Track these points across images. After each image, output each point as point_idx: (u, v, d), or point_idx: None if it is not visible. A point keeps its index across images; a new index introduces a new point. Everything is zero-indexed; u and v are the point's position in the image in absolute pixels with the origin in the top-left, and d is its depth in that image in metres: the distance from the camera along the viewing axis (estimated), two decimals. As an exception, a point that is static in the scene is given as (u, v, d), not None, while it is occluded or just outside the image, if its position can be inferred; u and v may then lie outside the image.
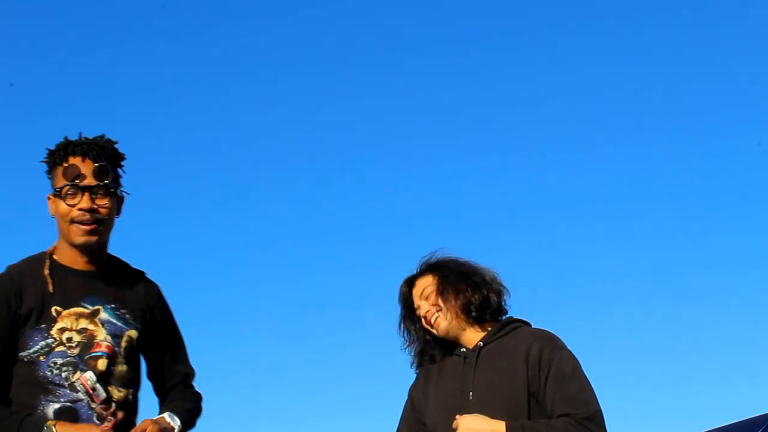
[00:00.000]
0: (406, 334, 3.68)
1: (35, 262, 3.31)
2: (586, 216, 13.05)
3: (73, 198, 3.26)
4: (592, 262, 12.94)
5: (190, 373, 3.52)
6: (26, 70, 12.37)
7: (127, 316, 3.35)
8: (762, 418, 8.25)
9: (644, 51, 13.02)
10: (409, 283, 3.67)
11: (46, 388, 3.20)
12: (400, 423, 3.68)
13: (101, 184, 3.28)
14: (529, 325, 3.64)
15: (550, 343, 3.52)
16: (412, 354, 3.68)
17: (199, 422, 3.48)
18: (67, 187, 3.26)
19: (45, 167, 3.36)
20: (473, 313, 3.55)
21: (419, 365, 3.67)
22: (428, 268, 3.67)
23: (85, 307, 3.28)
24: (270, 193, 13.00)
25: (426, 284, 3.63)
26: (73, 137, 3.32)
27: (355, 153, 13.09)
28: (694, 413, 12.15)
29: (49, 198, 3.32)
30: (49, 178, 3.34)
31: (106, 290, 3.32)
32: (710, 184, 13.04)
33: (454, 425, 3.40)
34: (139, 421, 3.31)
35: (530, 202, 13.09)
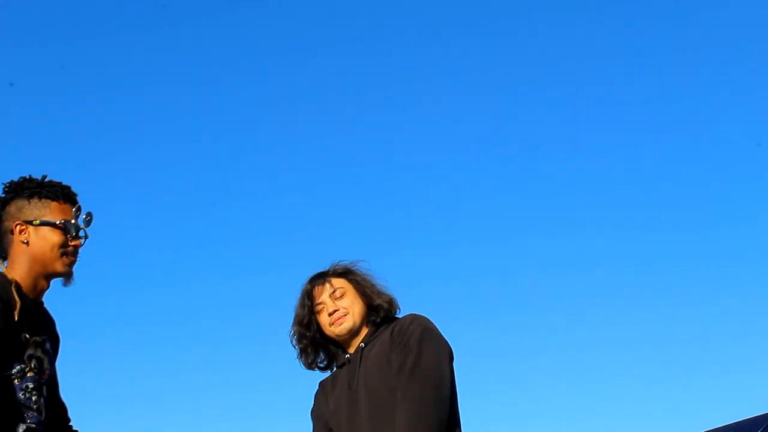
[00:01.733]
0: (298, 337, 3.88)
1: (3, 284, 3.45)
2: (585, 216, 13.05)
3: (76, 239, 3.53)
4: (592, 262, 12.95)
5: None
6: (26, 70, 12.37)
7: (52, 348, 3.59)
8: (762, 418, 8.26)
9: (644, 51, 13.03)
10: (323, 277, 3.88)
11: (19, 410, 3.38)
12: None
13: (85, 230, 3.58)
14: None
15: (414, 320, 3.75)
16: (307, 361, 3.92)
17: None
18: (72, 224, 3.52)
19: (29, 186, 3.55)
20: (376, 319, 3.82)
21: (318, 367, 3.93)
22: (343, 271, 3.89)
23: (40, 337, 3.50)
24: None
25: (339, 285, 3.85)
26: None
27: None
28: (694, 413, 12.16)
29: (26, 225, 3.50)
30: (21, 205, 3.53)
31: (45, 323, 3.57)
32: (710, 183, 13.05)
33: None
34: None
35: (530, 203, 13.10)
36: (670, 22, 12.94)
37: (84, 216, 3.54)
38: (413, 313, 3.80)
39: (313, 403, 3.91)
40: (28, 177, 3.54)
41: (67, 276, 3.52)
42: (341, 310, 3.80)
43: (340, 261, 3.93)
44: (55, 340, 3.60)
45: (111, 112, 12.80)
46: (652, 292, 12.90)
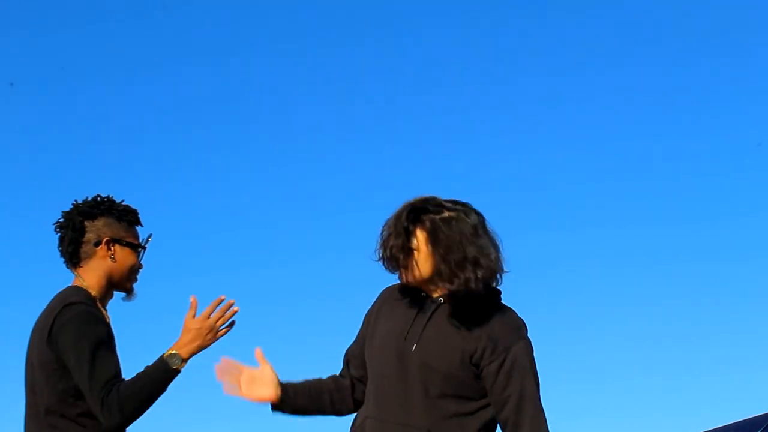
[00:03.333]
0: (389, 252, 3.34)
1: (89, 299, 3.79)
2: (585, 215, 13.05)
3: (141, 263, 3.92)
4: (591, 261, 12.94)
5: None
6: (26, 70, 12.38)
7: None
8: (762, 418, 8.25)
9: (644, 50, 13.02)
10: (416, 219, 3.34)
11: None
12: (356, 340, 3.53)
13: None
14: (497, 299, 3.40)
15: (511, 328, 3.34)
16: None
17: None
18: (143, 249, 3.90)
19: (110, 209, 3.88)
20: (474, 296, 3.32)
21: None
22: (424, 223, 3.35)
23: None
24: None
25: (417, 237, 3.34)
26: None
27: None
28: (694, 413, 12.15)
29: (115, 243, 3.84)
30: (110, 222, 3.86)
31: None
32: (710, 183, 13.04)
33: None
34: None
35: (529, 199, 13.10)
36: (671, 22, 12.95)
37: (148, 239, 3.93)
38: (507, 308, 3.37)
39: (375, 302, 3.49)
40: (109, 197, 3.87)
41: (131, 293, 3.90)
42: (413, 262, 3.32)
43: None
44: None
45: (111, 107, 12.80)
46: (651, 292, 12.89)
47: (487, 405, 3.33)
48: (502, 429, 3.34)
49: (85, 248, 3.80)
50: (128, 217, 3.89)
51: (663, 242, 12.91)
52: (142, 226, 3.93)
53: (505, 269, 3.36)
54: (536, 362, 3.36)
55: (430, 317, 3.34)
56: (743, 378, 11.79)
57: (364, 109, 13.08)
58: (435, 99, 13.04)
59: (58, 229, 3.87)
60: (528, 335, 3.37)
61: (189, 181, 12.91)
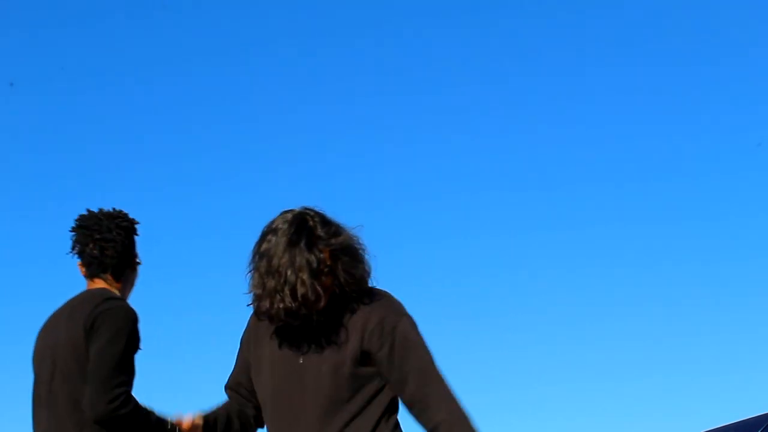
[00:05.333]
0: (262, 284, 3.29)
1: (134, 311, 4.03)
2: (585, 216, 13.06)
3: None
4: (591, 260, 12.94)
5: None
6: (26, 70, 12.38)
7: None
8: (762, 418, 8.26)
9: (644, 50, 13.02)
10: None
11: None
12: (235, 368, 3.51)
13: None
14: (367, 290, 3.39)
15: (390, 310, 3.32)
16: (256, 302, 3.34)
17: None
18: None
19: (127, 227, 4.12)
20: (346, 294, 3.32)
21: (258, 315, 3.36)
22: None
23: None
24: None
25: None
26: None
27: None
28: (694, 413, 12.16)
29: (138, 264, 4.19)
30: (133, 250, 4.15)
31: None
32: (710, 183, 13.05)
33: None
34: None
35: (529, 197, 13.10)
36: (671, 22, 12.95)
37: None
38: (380, 293, 3.36)
39: (247, 326, 3.46)
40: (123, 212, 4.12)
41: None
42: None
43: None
44: None
45: (111, 104, 12.80)
46: (651, 292, 12.90)
47: (383, 387, 3.31)
48: (409, 409, 3.32)
49: (131, 263, 4.11)
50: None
51: (663, 242, 12.93)
52: None
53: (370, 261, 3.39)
54: (423, 335, 3.35)
55: (311, 329, 3.30)
56: (743, 378, 11.81)
57: (364, 109, 13.08)
58: (435, 99, 13.04)
59: (100, 234, 4.03)
60: (407, 311, 3.37)
61: (188, 181, 12.92)
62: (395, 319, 3.32)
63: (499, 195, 13.06)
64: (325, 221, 3.33)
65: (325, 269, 3.26)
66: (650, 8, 12.95)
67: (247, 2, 13.01)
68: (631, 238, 12.85)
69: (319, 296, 3.23)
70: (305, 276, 3.22)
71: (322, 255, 3.26)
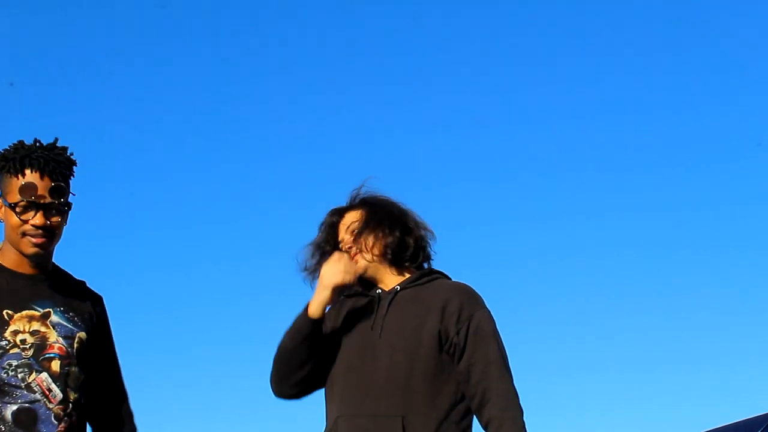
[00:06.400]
0: (318, 259, 3.52)
1: None
2: (586, 216, 13.05)
3: (26, 214, 3.29)
4: (592, 261, 12.94)
5: (127, 399, 3.58)
6: (26, 70, 12.37)
7: (75, 318, 3.40)
8: (762, 418, 8.26)
9: (643, 50, 13.02)
10: (340, 213, 3.57)
11: (3, 389, 3.25)
12: None
13: (56, 202, 3.31)
14: (448, 278, 3.54)
15: (471, 299, 3.42)
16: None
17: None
18: (23, 203, 3.28)
19: None
20: (389, 256, 3.47)
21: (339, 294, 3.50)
22: (360, 202, 3.57)
23: (36, 310, 3.34)
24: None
25: (354, 218, 3.52)
26: (29, 141, 3.33)
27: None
28: (694, 413, 12.15)
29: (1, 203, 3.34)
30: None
31: (54, 294, 3.40)
32: (710, 184, 13.05)
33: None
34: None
35: (527, 196, 13.10)
36: (671, 21, 12.95)
37: (27, 189, 3.25)
38: (464, 284, 3.47)
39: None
40: (15, 144, 3.32)
41: (32, 258, 3.34)
42: (354, 248, 3.46)
43: (356, 188, 3.60)
44: (84, 312, 3.41)
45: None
46: (651, 291, 12.90)
47: (458, 384, 3.35)
48: (471, 400, 3.34)
49: None
50: (7, 167, 3.31)
51: (663, 242, 12.93)
52: (22, 175, 3.28)
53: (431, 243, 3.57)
54: (499, 331, 3.42)
55: (389, 304, 3.42)
56: (743, 378, 11.80)
57: (362, 109, 13.08)
58: (433, 98, 13.04)
59: None
60: (486, 305, 3.45)
61: (188, 181, 12.91)
62: (473, 308, 3.39)
63: (500, 192, 13.06)
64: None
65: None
66: (650, 8, 12.95)
67: (246, 2, 13.01)
68: (631, 238, 12.86)
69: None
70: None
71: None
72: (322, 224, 3.58)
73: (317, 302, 3.40)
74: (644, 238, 12.84)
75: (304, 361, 3.41)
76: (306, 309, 3.42)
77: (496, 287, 12.72)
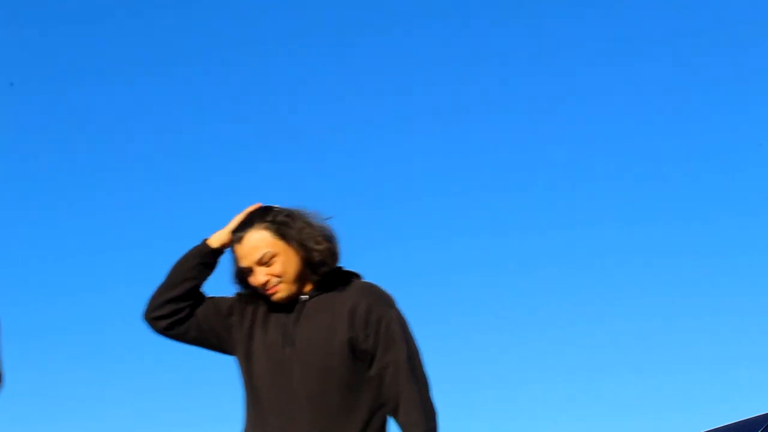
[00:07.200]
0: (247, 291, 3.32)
1: None
2: (586, 215, 13.07)
3: None
4: (590, 258, 12.95)
5: None
6: (26, 70, 12.38)
7: None
8: (762, 418, 8.27)
9: (644, 50, 13.03)
10: (238, 241, 3.24)
11: None
12: (215, 306, 3.33)
13: None
14: (359, 277, 3.32)
15: (379, 300, 3.24)
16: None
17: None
18: None
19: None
20: (310, 275, 3.22)
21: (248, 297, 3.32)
22: (266, 224, 3.24)
23: None
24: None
25: (261, 244, 3.22)
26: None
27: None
28: (694, 413, 12.16)
29: None
30: None
31: None
32: (710, 183, 13.06)
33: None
34: None
35: (525, 197, 13.11)
36: (671, 21, 12.96)
37: None
38: (372, 284, 3.29)
39: (226, 296, 3.35)
40: None
41: None
42: (273, 280, 3.21)
43: (266, 206, 3.29)
44: None
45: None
46: (651, 291, 12.91)
47: (376, 390, 3.22)
48: (386, 405, 3.22)
49: None
50: None
51: (663, 242, 12.93)
52: None
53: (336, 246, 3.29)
54: (411, 331, 3.27)
55: (299, 317, 3.24)
56: (743, 378, 11.81)
57: (361, 109, 13.08)
58: (432, 98, 13.05)
59: None
60: (397, 305, 3.28)
61: (187, 181, 12.91)
62: (383, 310, 3.23)
63: (498, 195, 13.06)
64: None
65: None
66: (650, 7, 12.96)
67: (244, 1, 13.01)
68: (631, 238, 12.86)
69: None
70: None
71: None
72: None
73: (215, 235, 3.28)
74: (643, 238, 12.85)
75: (188, 280, 3.26)
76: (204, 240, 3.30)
77: (496, 289, 12.71)
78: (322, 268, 3.24)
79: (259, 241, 3.22)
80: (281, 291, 3.21)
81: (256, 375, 3.24)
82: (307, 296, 3.26)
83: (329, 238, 3.26)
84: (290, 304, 3.27)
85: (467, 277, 12.76)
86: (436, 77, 13.12)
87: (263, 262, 3.20)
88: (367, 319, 3.21)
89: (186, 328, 3.30)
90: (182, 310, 3.29)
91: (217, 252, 3.29)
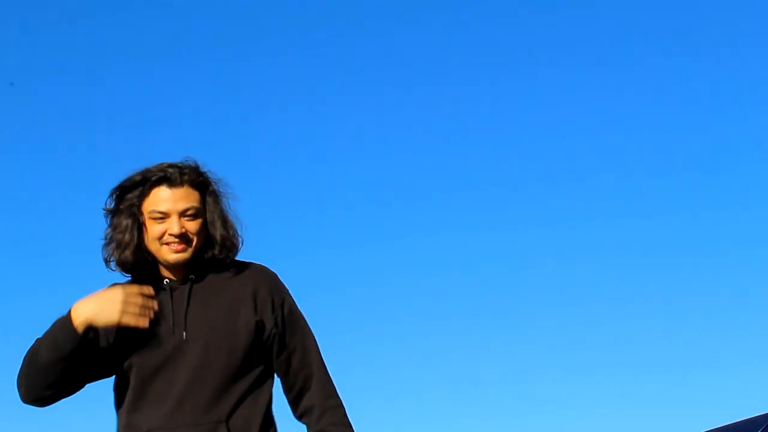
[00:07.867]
0: (117, 226, 3.05)
1: None
2: (585, 215, 13.05)
3: None
4: (589, 257, 12.94)
5: None
6: (26, 69, 12.38)
7: None
8: (762, 418, 8.26)
9: (644, 50, 13.02)
10: (170, 182, 3.07)
11: None
12: None
13: None
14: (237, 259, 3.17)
15: (277, 283, 3.13)
16: (116, 255, 3.05)
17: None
18: None
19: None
20: (212, 254, 3.07)
21: (125, 270, 3.08)
22: (204, 182, 3.11)
23: None
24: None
25: (193, 197, 3.07)
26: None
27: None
28: (694, 413, 12.15)
29: None
30: None
31: None
32: (710, 184, 13.05)
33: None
34: None
35: (530, 199, 13.11)
36: (671, 21, 12.95)
37: None
38: (265, 267, 3.17)
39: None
40: None
41: None
42: (186, 236, 3.03)
43: (193, 161, 3.14)
44: None
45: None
46: (651, 291, 12.90)
47: (272, 374, 3.12)
48: (292, 386, 3.12)
49: None
50: None
51: (663, 242, 12.92)
52: None
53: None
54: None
55: (187, 300, 3.06)
56: (743, 378, 11.80)
57: (360, 109, 13.08)
58: (431, 98, 13.05)
59: None
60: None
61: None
62: (282, 293, 3.14)
63: (498, 194, 13.06)
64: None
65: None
66: (650, 7, 12.96)
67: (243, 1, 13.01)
68: (631, 237, 12.86)
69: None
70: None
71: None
72: (141, 177, 3.10)
73: (84, 319, 2.92)
74: (643, 237, 12.85)
75: (65, 371, 2.96)
76: (70, 318, 2.93)
77: (496, 288, 12.71)
78: (220, 253, 3.07)
79: (193, 194, 3.08)
80: (185, 252, 3.03)
81: (145, 360, 3.01)
82: (192, 277, 3.08)
83: (238, 232, 3.11)
84: (169, 288, 3.08)
85: (467, 276, 12.76)
86: (434, 76, 13.13)
87: (187, 215, 3.04)
88: (272, 302, 3.09)
89: (81, 384, 3.07)
90: (68, 383, 3.02)
91: (87, 330, 2.94)
